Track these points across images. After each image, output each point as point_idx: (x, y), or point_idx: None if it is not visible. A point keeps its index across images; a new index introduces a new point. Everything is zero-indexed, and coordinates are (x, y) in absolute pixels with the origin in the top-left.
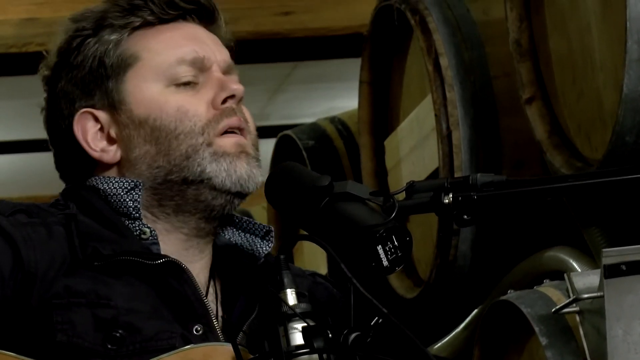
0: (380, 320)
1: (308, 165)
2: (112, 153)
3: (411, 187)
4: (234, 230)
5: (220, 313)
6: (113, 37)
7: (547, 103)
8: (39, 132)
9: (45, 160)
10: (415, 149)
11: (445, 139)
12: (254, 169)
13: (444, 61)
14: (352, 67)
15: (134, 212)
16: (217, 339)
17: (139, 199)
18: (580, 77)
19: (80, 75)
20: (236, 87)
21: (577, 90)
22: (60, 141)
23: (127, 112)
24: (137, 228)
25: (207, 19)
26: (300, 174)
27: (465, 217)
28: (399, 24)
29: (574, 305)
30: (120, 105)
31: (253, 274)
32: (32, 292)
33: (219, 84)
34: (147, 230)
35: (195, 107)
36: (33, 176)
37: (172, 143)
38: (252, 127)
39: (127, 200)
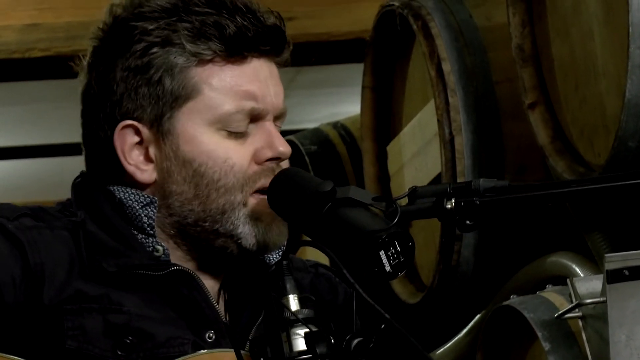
0: (383, 326)
1: (311, 170)
2: (148, 174)
3: (414, 193)
4: None
5: (230, 320)
6: (180, 60)
7: (550, 108)
8: (42, 137)
9: (47, 166)
10: (417, 154)
11: (448, 144)
12: (281, 235)
13: (446, 66)
14: (355, 73)
15: (148, 229)
16: (229, 345)
17: (153, 216)
18: (583, 82)
19: (136, 83)
20: (283, 149)
21: (580, 96)
22: (96, 131)
23: (174, 145)
24: (151, 245)
25: (277, 53)
26: (303, 179)
27: (468, 222)
28: (402, 29)
29: (577, 310)
30: (168, 134)
31: (261, 281)
32: (42, 292)
33: (268, 139)
34: (160, 248)
35: (241, 160)
36: (35, 182)
37: (211, 194)
38: None
39: (142, 215)
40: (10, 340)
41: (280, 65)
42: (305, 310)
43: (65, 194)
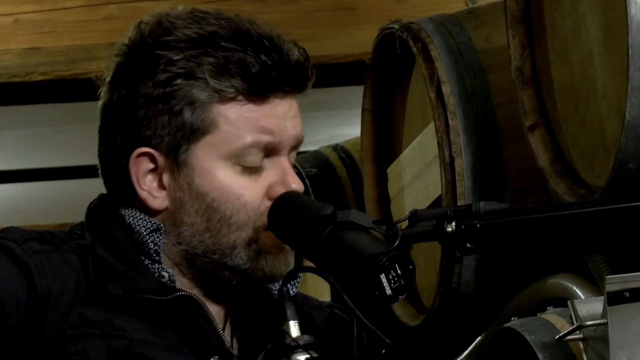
0: (384, 351)
1: (311, 193)
2: (159, 201)
3: (414, 216)
4: None
5: (235, 347)
6: (202, 95)
7: (550, 130)
8: (43, 161)
9: (48, 189)
10: (418, 177)
11: (448, 167)
12: (287, 265)
13: (446, 89)
14: (355, 95)
15: (154, 255)
16: None
17: (159, 243)
18: (583, 104)
19: (157, 111)
20: (296, 186)
21: (580, 118)
22: (112, 152)
23: (188, 177)
24: (157, 271)
25: (300, 90)
26: (303, 203)
27: (469, 245)
28: (401, 52)
29: (578, 332)
30: (183, 166)
31: (266, 310)
32: (45, 320)
33: (281, 176)
34: (166, 274)
35: (253, 197)
36: (36, 205)
37: (222, 229)
38: None
39: (149, 241)
40: None
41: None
42: (306, 336)
43: (66, 217)
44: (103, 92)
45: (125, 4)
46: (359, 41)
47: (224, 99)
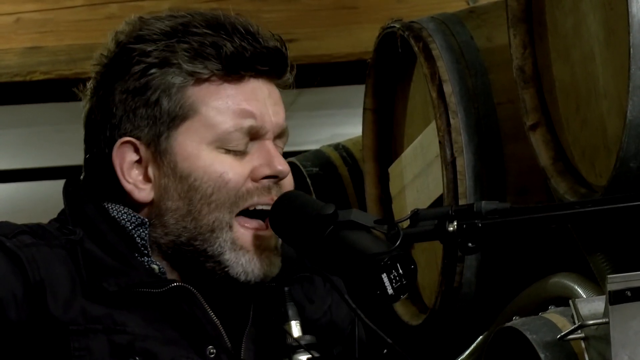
0: (386, 350)
1: (312, 192)
2: (145, 193)
3: (416, 215)
4: None
5: (231, 338)
6: (177, 80)
7: (551, 129)
8: (44, 160)
9: (50, 188)
10: (419, 176)
11: (450, 166)
12: (272, 266)
13: (447, 88)
14: (356, 94)
15: (142, 249)
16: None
17: (145, 237)
18: (584, 103)
19: (134, 104)
20: (281, 168)
21: (581, 117)
22: (96, 153)
23: (171, 163)
24: (147, 264)
25: (277, 75)
26: (305, 202)
27: (470, 244)
28: (403, 51)
29: (579, 331)
30: (165, 153)
31: (268, 305)
32: (46, 306)
33: (267, 157)
34: (156, 267)
35: (237, 176)
36: (38, 204)
37: (203, 209)
38: None
39: (135, 236)
40: (15, 359)
41: (281, 87)
42: (308, 337)
43: None
44: (84, 102)
45: (126, 3)
46: (360, 40)
47: (200, 81)
